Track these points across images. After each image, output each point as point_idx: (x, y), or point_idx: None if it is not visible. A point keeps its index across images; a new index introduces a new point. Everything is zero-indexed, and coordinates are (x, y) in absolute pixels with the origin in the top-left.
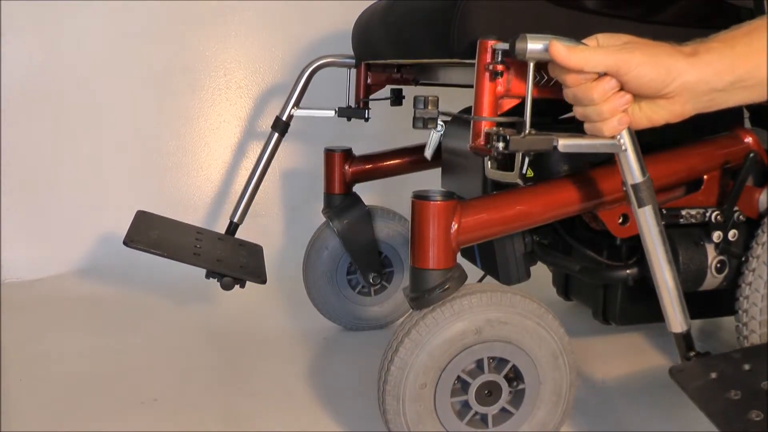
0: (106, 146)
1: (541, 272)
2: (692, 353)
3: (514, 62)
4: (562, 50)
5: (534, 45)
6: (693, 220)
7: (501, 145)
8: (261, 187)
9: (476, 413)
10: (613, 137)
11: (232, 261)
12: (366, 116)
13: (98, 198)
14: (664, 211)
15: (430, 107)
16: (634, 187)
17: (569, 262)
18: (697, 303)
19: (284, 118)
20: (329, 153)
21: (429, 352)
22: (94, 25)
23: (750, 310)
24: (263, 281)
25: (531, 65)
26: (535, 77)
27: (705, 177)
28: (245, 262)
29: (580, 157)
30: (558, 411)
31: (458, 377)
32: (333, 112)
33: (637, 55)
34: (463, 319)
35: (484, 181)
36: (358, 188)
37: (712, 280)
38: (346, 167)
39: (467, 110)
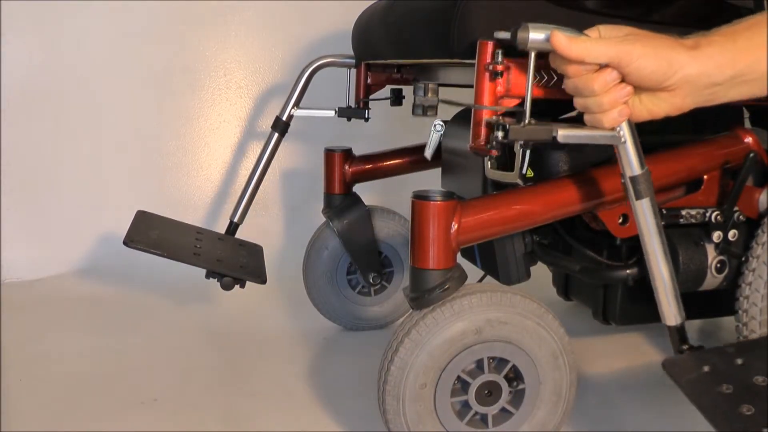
0: (106, 146)
1: (541, 272)
2: (685, 346)
3: (514, 62)
4: (564, 40)
5: (536, 35)
6: (693, 220)
7: (500, 134)
8: (261, 187)
9: (476, 413)
10: (612, 129)
11: (232, 261)
12: (366, 116)
13: (98, 198)
14: (664, 211)
15: (430, 94)
16: (633, 179)
17: (569, 262)
18: (697, 303)
19: (284, 118)
20: (329, 153)
21: (429, 352)
22: (94, 25)
23: (750, 310)
24: (263, 281)
25: (532, 55)
26: (535, 77)
27: (705, 177)
28: (245, 262)
29: (580, 157)
30: (558, 411)
31: (458, 377)
32: (333, 112)
33: (639, 46)
34: (463, 319)
35: (484, 181)
36: (358, 188)
37: (712, 280)
38: (346, 167)
39: (467, 110)
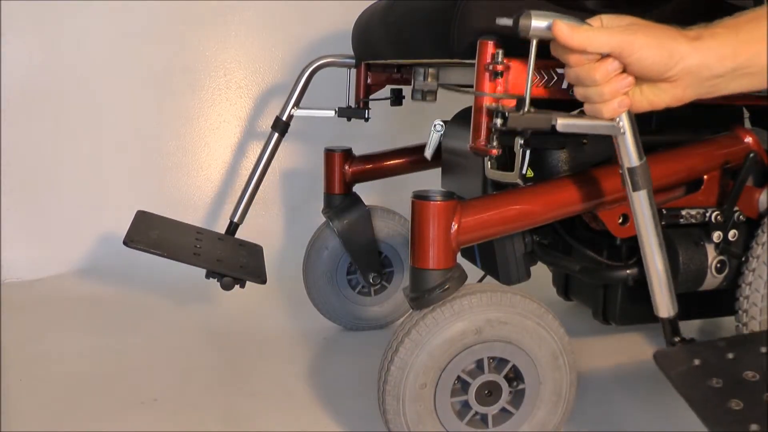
0: (106, 146)
1: (541, 272)
2: (677, 339)
3: (514, 62)
4: (565, 29)
5: (538, 22)
6: (693, 220)
7: (499, 121)
8: (261, 187)
9: (476, 413)
10: (612, 119)
11: (232, 261)
12: (366, 116)
13: (98, 198)
14: (665, 211)
15: (429, 79)
16: (630, 170)
17: (569, 262)
18: (697, 303)
19: (284, 118)
20: (329, 153)
21: (429, 352)
22: (94, 25)
23: (750, 310)
24: (263, 281)
25: (534, 43)
26: (534, 77)
27: (705, 177)
28: (245, 262)
29: (580, 158)
30: (558, 411)
31: (458, 377)
32: (333, 112)
33: (641, 36)
34: (463, 319)
35: (484, 181)
36: (358, 188)
37: (712, 280)
38: (346, 167)
39: (467, 110)
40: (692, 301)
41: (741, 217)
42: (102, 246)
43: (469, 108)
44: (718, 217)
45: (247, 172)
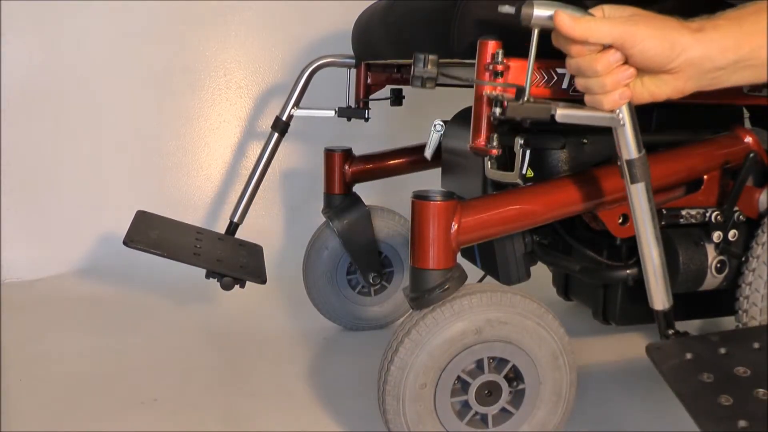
0: (106, 146)
1: (541, 272)
2: (671, 331)
3: (514, 62)
4: (567, 20)
5: (540, 11)
6: (693, 220)
7: (498, 110)
8: (261, 187)
9: (476, 413)
10: (612, 111)
11: (232, 261)
12: (366, 116)
13: (98, 198)
14: (665, 211)
15: (429, 66)
16: (629, 162)
17: (569, 262)
18: (697, 303)
19: (284, 118)
20: (329, 153)
21: (429, 352)
22: (94, 25)
23: (750, 311)
24: (263, 281)
25: (535, 32)
26: (534, 77)
27: (705, 177)
28: (245, 262)
29: (580, 158)
30: (558, 411)
31: (458, 377)
32: (333, 112)
33: (643, 27)
34: (463, 319)
35: (484, 181)
36: (358, 188)
37: (712, 280)
38: (346, 167)
39: (467, 110)
40: (692, 301)
41: (741, 217)
42: (102, 246)
43: (469, 108)
44: (718, 217)
45: (247, 172)
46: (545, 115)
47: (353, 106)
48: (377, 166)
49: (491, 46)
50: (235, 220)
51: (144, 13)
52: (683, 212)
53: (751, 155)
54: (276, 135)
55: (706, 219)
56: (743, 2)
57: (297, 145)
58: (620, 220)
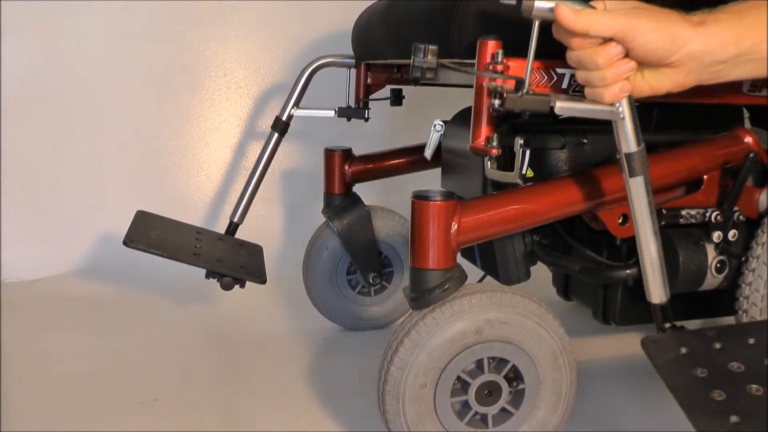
0: (106, 146)
1: (541, 272)
2: (668, 325)
3: (514, 62)
4: (568, 13)
5: (541, 3)
6: (693, 220)
7: (497, 102)
8: (261, 187)
9: (476, 413)
10: (612, 104)
11: (232, 261)
12: (366, 116)
13: (98, 198)
14: (665, 211)
15: (429, 57)
16: (628, 156)
17: (569, 262)
18: (697, 303)
19: (284, 118)
20: (329, 153)
21: (429, 352)
22: (94, 25)
23: (750, 311)
24: (263, 281)
25: (536, 24)
26: (534, 77)
27: (705, 177)
28: (245, 262)
29: (580, 158)
30: (558, 411)
31: (458, 377)
32: (333, 112)
33: (644, 20)
34: (463, 319)
35: (484, 181)
36: (358, 188)
37: (712, 280)
38: (346, 167)
39: (467, 110)
40: (692, 301)
41: (741, 217)
42: (102, 246)
43: (469, 108)
44: (718, 217)
45: (247, 172)
46: (544, 107)
47: (353, 106)
48: (377, 166)
49: (491, 46)
50: (235, 220)
51: (144, 13)
52: (683, 212)
53: (751, 155)
54: (276, 135)
55: (706, 219)
56: None
57: (297, 145)
58: (620, 220)
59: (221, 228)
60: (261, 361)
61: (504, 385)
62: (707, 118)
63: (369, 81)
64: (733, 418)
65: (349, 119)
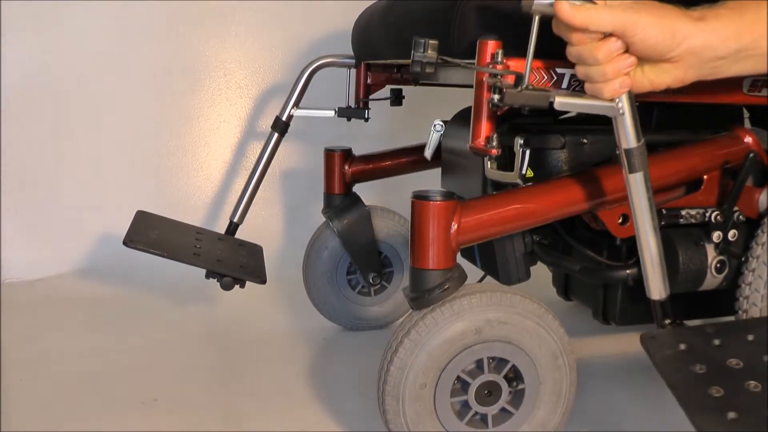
0: (106, 146)
1: (541, 272)
2: (667, 321)
3: (513, 62)
4: (568, 8)
5: None
6: (693, 220)
7: (497, 97)
8: (261, 187)
9: (476, 413)
10: (612, 100)
11: (232, 261)
12: (366, 116)
13: (98, 198)
14: (665, 211)
15: (429, 51)
16: (627, 152)
17: (569, 262)
18: (697, 303)
19: (284, 118)
20: (329, 153)
21: (429, 353)
22: (94, 25)
23: (750, 311)
24: (263, 281)
25: (536, 19)
26: (534, 77)
27: (705, 177)
28: (245, 262)
29: (580, 158)
30: (558, 411)
31: (458, 377)
32: (333, 112)
33: (644, 16)
34: (463, 319)
35: (484, 181)
36: (358, 188)
37: (712, 280)
38: (346, 167)
39: (467, 110)
40: (692, 301)
41: (741, 217)
42: (102, 246)
43: (469, 108)
44: (718, 217)
45: (247, 172)
46: (544, 102)
47: (353, 106)
48: (377, 166)
49: (491, 46)
50: (235, 220)
51: (144, 13)
52: (683, 212)
53: (751, 155)
54: (276, 135)
55: (706, 219)
56: None
57: (297, 145)
58: (620, 220)
59: (221, 228)
60: (261, 361)
61: (504, 385)
62: (707, 118)
63: (369, 81)
64: (731, 415)
65: (349, 119)
